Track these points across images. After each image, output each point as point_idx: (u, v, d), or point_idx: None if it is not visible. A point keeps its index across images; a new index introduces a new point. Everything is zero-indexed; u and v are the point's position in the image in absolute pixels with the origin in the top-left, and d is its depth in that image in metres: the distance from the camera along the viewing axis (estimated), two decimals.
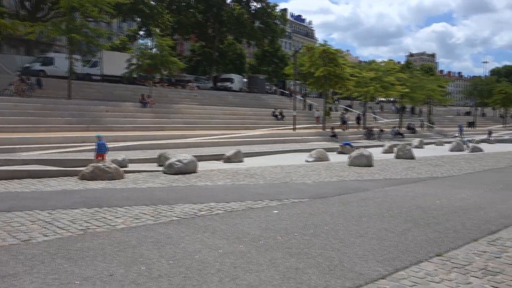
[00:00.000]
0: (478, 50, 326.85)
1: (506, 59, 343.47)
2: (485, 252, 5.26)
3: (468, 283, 4.23)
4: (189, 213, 7.03)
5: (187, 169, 12.15)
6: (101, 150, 13.23)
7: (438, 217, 7.09)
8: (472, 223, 6.76)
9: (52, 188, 9.40)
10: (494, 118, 73.72)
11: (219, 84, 51.00)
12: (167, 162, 12.44)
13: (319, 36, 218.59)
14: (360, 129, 38.29)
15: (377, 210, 7.59)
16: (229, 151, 17.56)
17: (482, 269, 4.64)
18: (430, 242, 5.60)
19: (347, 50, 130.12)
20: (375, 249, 5.24)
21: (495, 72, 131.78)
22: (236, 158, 16.95)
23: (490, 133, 37.94)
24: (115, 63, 37.18)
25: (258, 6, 54.07)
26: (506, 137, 41.12)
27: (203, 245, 5.27)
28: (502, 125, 63.28)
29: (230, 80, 51.35)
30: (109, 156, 13.20)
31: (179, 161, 12.26)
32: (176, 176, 11.50)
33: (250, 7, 54.31)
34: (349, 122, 39.88)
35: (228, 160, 16.74)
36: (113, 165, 11.25)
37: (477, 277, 4.39)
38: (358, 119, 42.02)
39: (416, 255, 5.06)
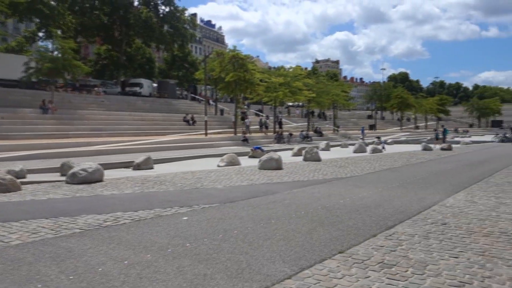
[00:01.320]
0: (377, 57, 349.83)
1: (401, 66, 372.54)
2: (382, 246, 5.61)
3: (366, 277, 4.48)
4: (93, 224, 6.70)
5: (92, 178, 11.58)
6: None
7: (341, 216, 7.45)
8: (371, 220, 7.19)
9: None
10: (392, 121, 79.43)
11: (127, 89, 49.41)
12: (70, 172, 11.77)
13: (230, 41, 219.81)
14: (270, 133, 39.19)
15: (285, 211, 7.79)
16: (139, 158, 17.09)
17: (380, 262, 4.95)
18: (334, 240, 5.86)
19: (257, 56, 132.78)
20: (282, 250, 5.37)
21: (392, 78, 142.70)
22: (146, 165, 16.53)
23: (378, 138, 40.74)
24: (10, 66, 34.44)
25: (167, 10, 53.27)
26: (403, 138, 44.51)
27: (107, 257, 5.03)
28: (399, 128, 68.35)
29: (139, 85, 49.98)
30: (5, 167, 12.19)
31: (83, 169, 11.65)
32: (81, 186, 10.91)
33: (159, 11, 53.32)
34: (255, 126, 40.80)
35: (137, 167, 16.28)
36: (8, 176, 10.39)
37: (375, 271, 4.67)
38: (280, 123, 43.36)
39: (321, 253, 5.26)
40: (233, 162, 17.75)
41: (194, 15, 72.72)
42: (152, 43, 56.55)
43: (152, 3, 53.02)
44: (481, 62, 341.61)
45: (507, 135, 43.69)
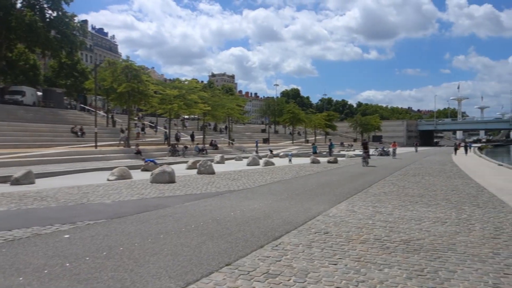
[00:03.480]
0: (270, 73, 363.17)
1: (293, 83, 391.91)
2: (268, 257, 5.78)
3: None
4: None
5: None
6: None
7: (231, 228, 7.54)
8: (260, 231, 7.38)
9: None
10: (285, 135, 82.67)
11: (7, 97, 45.32)
12: None
13: (124, 51, 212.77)
14: (166, 146, 38.53)
15: (175, 226, 7.69)
16: (18, 172, 15.74)
17: (265, 273, 5.08)
18: (222, 253, 5.90)
19: (152, 67, 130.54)
20: (169, 265, 5.28)
21: (284, 94, 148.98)
22: (26, 179, 15.29)
23: (271, 151, 42.27)
24: None
25: (54, 14, 49.99)
26: (294, 152, 46.41)
27: None
28: (291, 141, 71.28)
29: (21, 93, 46.19)
30: None
31: None
32: None
33: (45, 15, 49.81)
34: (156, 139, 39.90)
35: (16, 182, 14.98)
36: None
37: (260, 281, 4.78)
38: (192, 136, 42.69)
39: (208, 266, 5.26)
40: (124, 176, 17.12)
41: (85, 22, 69.29)
42: (37, 49, 52.54)
43: (37, 7, 49.41)
44: (363, 81, 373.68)
45: (384, 149, 47.69)
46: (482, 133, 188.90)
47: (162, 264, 5.30)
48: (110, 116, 45.97)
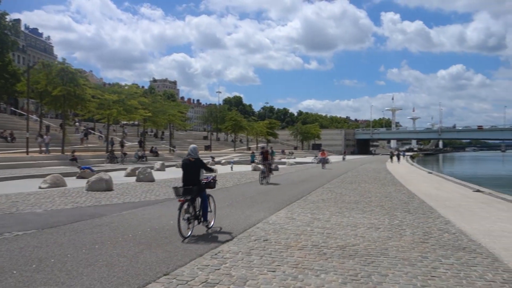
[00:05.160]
0: (213, 80, 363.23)
1: (235, 90, 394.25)
2: (207, 266, 5.74)
3: None
4: None
5: None
6: None
7: (170, 237, 7.42)
8: (201, 239, 7.31)
9: None
10: (227, 143, 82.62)
11: None
12: None
13: (60, 53, 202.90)
14: (104, 153, 37.28)
15: (111, 235, 7.45)
16: None
17: (204, 282, 5.05)
18: (160, 263, 5.79)
19: (90, 71, 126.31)
20: (104, 276, 5.10)
21: (227, 101, 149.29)
22: None
23: (213, 158, 42.21)
24: None
25: None
26: (236, 159, 46.50)
27: None
28: (233, 149, 71.38)
29: None
30: None
31: None
32: None
33: None
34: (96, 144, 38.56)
35: None
36: None
37: None
38: (140, 142, 41.47)
39: (145, 277, 5.14)
40: (57, 183, 16.35)
41: (18, 21, 65.90)
42: None
43: None
44: (304, 91, 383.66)
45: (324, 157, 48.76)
46: (414, 142, 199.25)
47: (96, 276, 5.12)
48: (40, 120, 43.70)
